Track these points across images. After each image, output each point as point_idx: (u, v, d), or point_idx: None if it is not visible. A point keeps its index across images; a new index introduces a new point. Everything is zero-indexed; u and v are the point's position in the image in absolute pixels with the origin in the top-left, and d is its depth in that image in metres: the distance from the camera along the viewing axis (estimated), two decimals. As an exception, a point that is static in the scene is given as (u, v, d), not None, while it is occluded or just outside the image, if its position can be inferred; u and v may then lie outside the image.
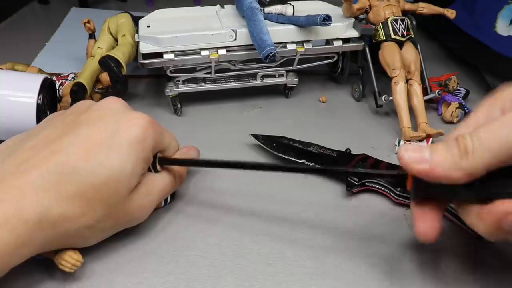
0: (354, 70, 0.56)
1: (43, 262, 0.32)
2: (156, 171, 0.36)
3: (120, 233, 0.34)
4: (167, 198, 0.38)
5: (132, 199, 0.31)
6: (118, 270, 0.32)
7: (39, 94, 0.41)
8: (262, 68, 0.52)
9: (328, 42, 0.53)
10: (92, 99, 0.51)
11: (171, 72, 0.49)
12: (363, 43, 0.53)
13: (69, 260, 0.30)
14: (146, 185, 0.33)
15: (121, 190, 0.30)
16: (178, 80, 0.51)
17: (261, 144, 0.45)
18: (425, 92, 0.52)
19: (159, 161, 0.36)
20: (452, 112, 0.51)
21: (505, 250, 0.36)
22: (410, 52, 0.51)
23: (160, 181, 0.35)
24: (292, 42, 0.50)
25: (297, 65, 0.52)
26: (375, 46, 0.53)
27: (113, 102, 0.33)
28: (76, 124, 0.31)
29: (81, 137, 0.30)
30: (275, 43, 0.46)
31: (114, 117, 0.31)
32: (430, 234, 0.28)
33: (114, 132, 0.30)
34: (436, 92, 0.51)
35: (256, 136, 0.45)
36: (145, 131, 0.32)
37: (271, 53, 0.45)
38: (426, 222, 0.28)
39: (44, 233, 0.27)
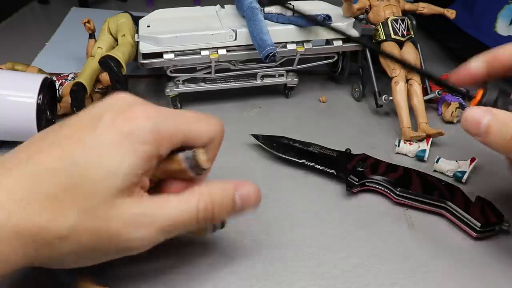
0: (354, 70, 0.56)
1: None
2: (199, 171, 0.29)
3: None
4: (215, 227, 0.33)
5: (117, 208, 0.25)
6: (117, 270, 0.32)
7: (39, 94, 0.41)
8: (262, 68, 0.52)
9: (328, 42, 0.53)
10: (92, 99, 0.51)
11: (171, 72, 0.49)
12: (363, 43, 0.53)
13: None
14: (149, 204, 0.27)
15: (99, 191, 0.25)
16: (178, 80, 0.51)
17: (261, 144, 0.45)
18: (425, 92, 0.52)
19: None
20: (452, 112, 0.51)
21: (503, 250, 0.36)
22: (410, 52, 0.51)
23: (167, 203, 0.27)
24: (292, 42, 0.50)
25: (297, 65, 0.52)
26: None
27: (114, 98, 0.28)
28: (61, 126, 0.27)
29: (60, 136, 0.26)
30: (275, 43, 0.46)
31: (101, 113, 0.27)
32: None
33: (94, 126, 0.26)
34: (436, 92, 0.51)
35: (256, 136, 0.45)
36: (132, 122, 0.26)
37: (271, 53, 0.45)
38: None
39: (9, 242, 0.24)
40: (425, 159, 0.45)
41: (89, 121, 0.27)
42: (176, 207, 0.27)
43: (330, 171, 0.42)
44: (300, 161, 0.43)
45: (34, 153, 0.26)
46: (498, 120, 0.30)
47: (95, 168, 0.25)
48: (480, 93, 0.31)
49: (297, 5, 0.52)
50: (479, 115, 0.30)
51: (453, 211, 0.38)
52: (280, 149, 0.44)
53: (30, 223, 0.24)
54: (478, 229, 0.36)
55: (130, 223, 0.26)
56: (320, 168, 0.42)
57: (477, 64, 0.33)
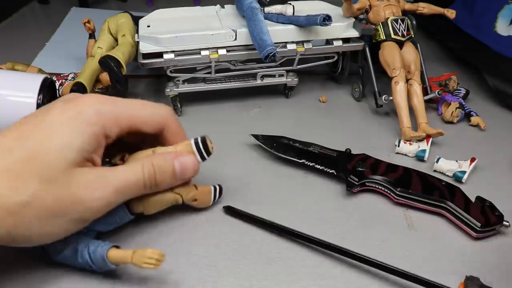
0: (354, 70, 0.56)
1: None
2: (206, 155, 0.35)
3: (117, 232, 0.34)
4: (215, 194, 0.38)
5: (75, 175, 0.29)
6: (118, 270, 0.32)
7: (39, 94, 0.41)
8: (262, 68, 0.52)
9: (328, 42, 0.53)
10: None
11: (171, 72, 0.49)
12: (363, 43, 0.53)
13: (153, 256, 0.29)
14: (104, 169, 0.31)
15: (55, 162, 0.28)
16: (178, 80, 0.51)
17: (261, 144, 0.45)
18: (425, 92, 0.52)
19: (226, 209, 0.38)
20: (452, 112, 0.51)
21: (503, 250, 0.36)
22: (410, 52, 0.51)
23: (119, 168, 0.31)
24: (292, 42, 0.50)
25: (297, 65, 0.52)
26: (375, 46, 0.53)
27: (66, 95, 0.33)
28: (24, 117, 0.31)
29: (17, 124, 0.30)
30: (275, 43, 0.46)
31: (53, 103, 0.31)
32: None
33: (46, 113, 0.30)
34: (436, 92, 0.51)
35: (256, 136, 0.45)
36: (78, 107, 0.30)
37: (271, 53, 0.45)
38: None
39: None
40: (425, 159, 0.45)
41: (42, 110, 0.30)
42: (125, 171, 0.31)
43: (330, 171, 0.42)
44: (300, 161, 0.43)
45: None
46: None
47: (49, 143, 0.28)
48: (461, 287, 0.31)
49: (297, 5, 0.52)
50: None
51: (453, 211, 0.38)
52: (280, 149, 0.44)
53: None
54: (478, 229, 0.36)
55: (89, 185, 0.29)
56: (320, 168, 0.42)
57: None
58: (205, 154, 0.35)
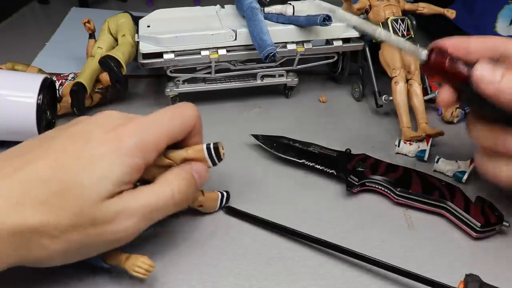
0: (354, 70, 0.56)
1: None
2: (217, 161, 0.34)
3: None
4: (222, 201, 0.38)
5: (104, 208, 0.28)
6: (119, 273, 0.32)
7: (39, 94, 0.41)
8: (262, 68, 0.52)
9: (328, 42, 0.53)
10: (92, 99, 0.51)
11: (171, 72, 0.49)
12: (363, 43, 0.53)
13: (142, 266, 0.30)
14: (128, 198, 0.29)
15: (89, 197, 0.28)
16: (178, 80, 0.51)
17: (261, 144, 0.45)
18: (425, 92, 0.52)
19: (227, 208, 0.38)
20: (452, 112, 0.51)
21: (503, 250, 0.36)
22: (410, 52, 0.51)
23: (143, 193, 0.30)
24: (292, 42, 0.50)
25: (297, 65, 0.52)
26: (375, 46, 0.53)
27: (102, 117, 0.32)
28: (54, 137, 0.30)
29: (53, 149, 0.29)
30: (275, 43, 0.46)
31: (91, 130, 0.30)
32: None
33: (85, 141, 0.29)
34: (436, 92, 0.51)
35: (256, 136, 0.45)
36: (119, 140, 0.29)
37: (271, 53, 0.45)
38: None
39: (3, 242, 0.26)
40: (425, 159, 0.45)
41: (80, 136, 0.29)
42: (151, 195, 0.30)
43: (330, 171, 0.42)
44: (300, 161, 0.43)
45: (28, 162, 0.28)
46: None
47: (87, 176, 0.28)
48: (461, 285, 0.31)
49: (297, 5, 0.52)
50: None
51: (453, 211, 0.38)
52: (280, 149, 0.44)
53: (25, 225, 0.26)
54: (478, 229, 0.36)
55: (115, 218, 0.28)
56: (320, 168, 0.42)
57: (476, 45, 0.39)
58: (216, 160, 0.34)
